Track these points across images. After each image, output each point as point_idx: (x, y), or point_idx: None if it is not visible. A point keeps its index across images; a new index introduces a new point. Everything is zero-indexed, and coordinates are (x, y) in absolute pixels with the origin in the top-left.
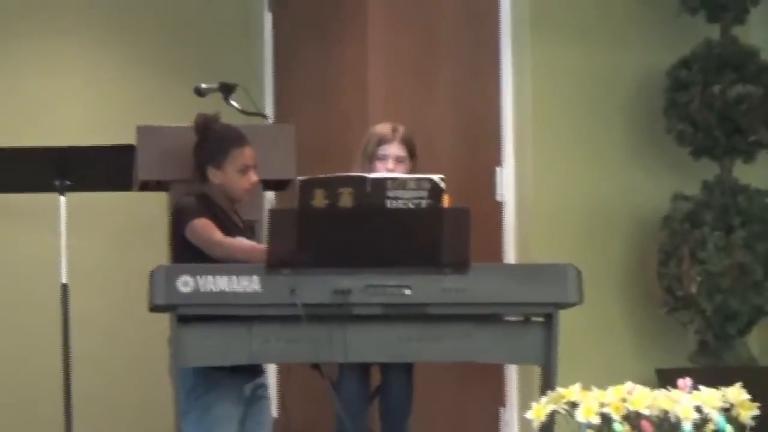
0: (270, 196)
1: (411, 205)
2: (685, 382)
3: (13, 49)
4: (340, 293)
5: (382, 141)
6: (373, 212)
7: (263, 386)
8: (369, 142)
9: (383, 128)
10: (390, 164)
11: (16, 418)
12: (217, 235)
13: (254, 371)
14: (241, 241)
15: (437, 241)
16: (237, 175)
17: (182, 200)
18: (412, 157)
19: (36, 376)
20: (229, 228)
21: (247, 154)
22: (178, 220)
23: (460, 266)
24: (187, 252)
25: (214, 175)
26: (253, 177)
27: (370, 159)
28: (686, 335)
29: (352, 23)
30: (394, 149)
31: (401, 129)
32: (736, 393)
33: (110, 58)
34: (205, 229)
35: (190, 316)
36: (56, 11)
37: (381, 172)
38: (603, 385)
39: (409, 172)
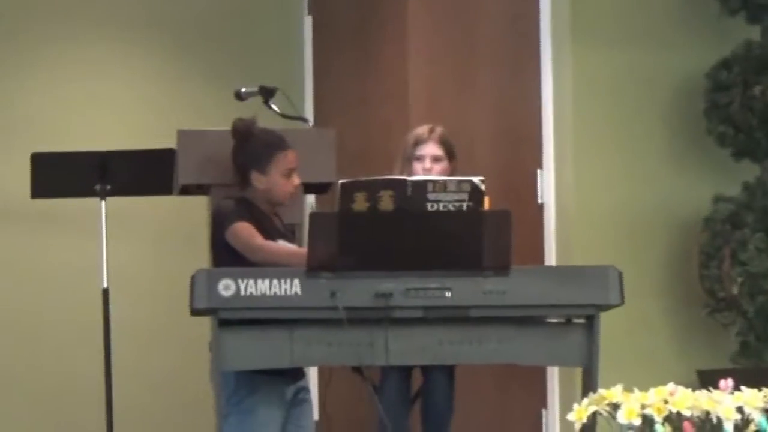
0: (311, 199)
1: (452, 208)
2: (727, 383)
3: (55, 54)
4: (381, 296)
5: (418, 141)
6: (413, 215)
7: (305, 389)
8: (407, 144)
9: (420, 129)
10: (427, 164)
11: (58, 425)
12: (258, 239)
13: (295, 375)
14: (282, 245)
15: (478, 243)
16: (281, 179)
17: (222, 204)
18: (451, 157)
19: (77, 382)
20: (270, 232)
21: (290, 157)
22: (219, 223)
23: (501, 269)
24: (227, 256)
25: (258, 180)
26: (296, 180)
27: (409, 160)
28: (727, 336)
29: (392, 26)
30: (431, 149)
31: (438, 129)
32: None
33: (151, 63)
34: (245, 232)
35: (232, 319)
36: (98, 17)
37: (419, 172)
38: (644, 387)
39: (449, 173)
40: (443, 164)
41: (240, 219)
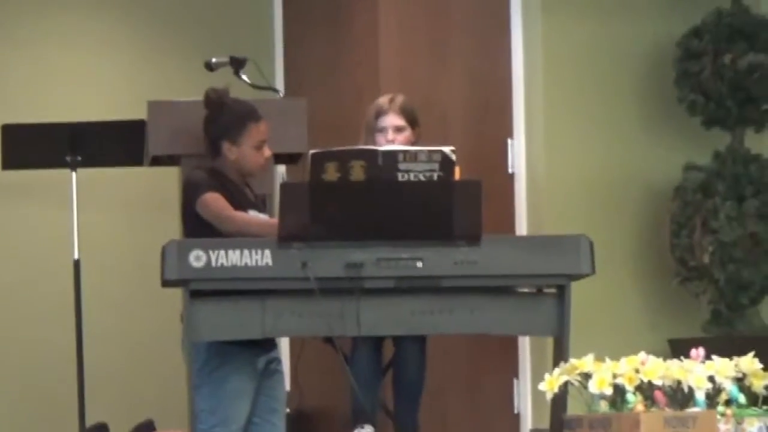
0: (281, 169)
1: (422, 178)
2: (698, 352)
3: (26, 26)
4: (353, 267)
5: (379, 113)
6: (384, 185)
7: (276, 360)
8: (369, 116)
9: (380, 100)
10: (390, 135)
11: (30, 393)
12: (228, 209)
13: (267, 345)
14: (253, 216)
15: (449, 213)
16: (252, 151)
17: (193, 174)
18: (414, 125)
19: (49, 352)
20: (241, 202)
21: (262, 129)
22: (189, 194)
23: (472, 238)
24: (198, 226)
25: (229, 150)
26: (267, 152)
27: (371, 132)
28: (699, 305)
29: None
30: (392, 119)
31: (399, 99)
32: (749, 362)
33: (122, 34)
34: (216, 203)
35: (203, 290)
36: None
37: (382, 143)
38: (616, 356)
39: (412, 141)
40: (406, 133)
41: (210, 189)
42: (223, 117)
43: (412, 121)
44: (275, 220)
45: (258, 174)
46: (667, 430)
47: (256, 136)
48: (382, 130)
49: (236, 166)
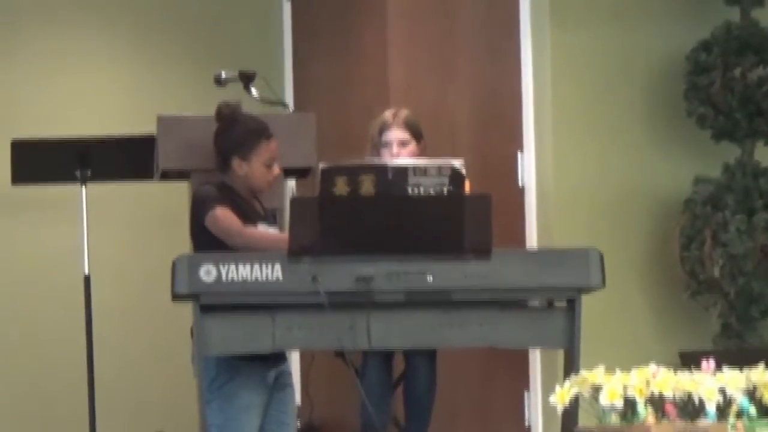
0: (291, 184)
1: (432, 192)
2: (709, 364)
3: (35, 42)
4: (363, 280)
5: (383, 128)
6: (394, 199)
7: (286, 373)
8: (373, 131)
9: (384, 115)
10: (394, 149)
11: (41, 407)
12: (238, 224)
13: (277, 359)
14: (262, 231)
15: (459, 227)
16: (262, 168)
17: (201, 189)
18: (418, 138)
19: (59, 367)
20: (250, 216)
21: (273, 147)
22: (198, 209)
23: (483, 252)
24: (207, 241)
25: (239, 166)
26: (276, 170)
27: (376, 147)
28: (709, 318)
29: (371, 11)
30: (396, 133)
31: (402, 113)
32: (760, 374)
33: (131, 49)
34: (225, 218)
35: (213, 305)
36: (78, 3)
37: (386, 158)
38: (626, 369)
39: (416, 154)
40: (410, 147)
41: (219, 204)
42: (235, 132)
43: (417, 134)
44: (285, 235)
45: (266, 191)
46: None
47: (267, 154)
48: (387, 144)
49: (245, 181)
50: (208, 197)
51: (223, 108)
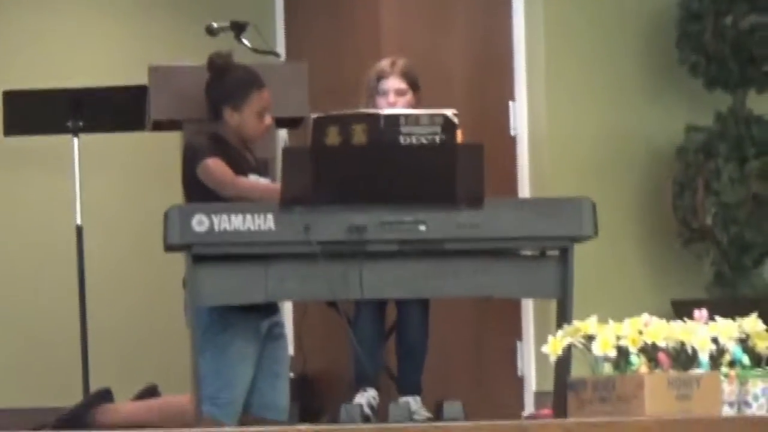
0: (283, 134)
1: (424, 141)
2: (701, 313)
3: None
4: (355, 230)
5: (381, 76)
6: (386, 149)
7: (279, 324)
8: (369, 78)
9: (382, 63)
10: (391, 98)
11: (33, 359)
12: (230, 174)
13: (269, 310)
14: (254, 181)
15: (451, 176)
16: (254, 118)
17: (193, 139)
18: (415, 88)
19: (52, 318)
20: (242, 166)
21: (265, 97)
22: (190, 159)
23: (475, 201)
24: (199, 192)
25: (231, 116)
26: (268, 120)
27: (372, 95)
28: (702, 267)
29: None
30: (394, 82)
31: (400, 62)
32: (753, 324)
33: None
34: (217, 168)
35: (206, 255)
36: None
37: (383, 106)
38: (619, 318)
39: (413, 104)
40: (407, 97)
41: (211, 155)
42: (227, 82)
43: (414, 84)
44: (277, 185)
45: (257, 140)
46: (670, 391)
47: (259, 104)
48: (384, 93)
49: (237, 131)
50: (200, 148)
51: (215, 58)
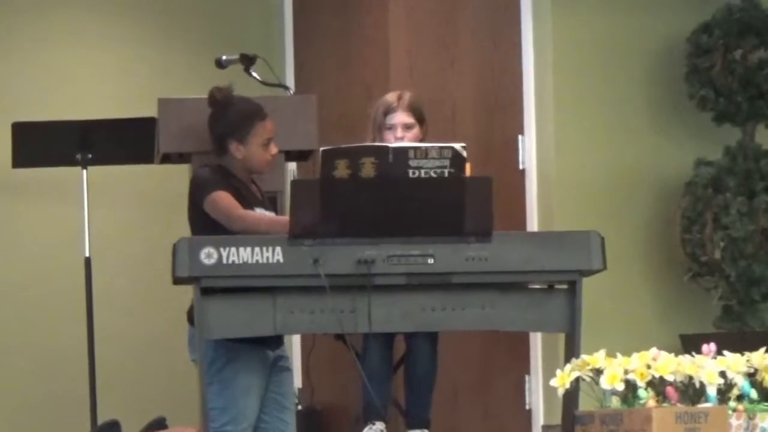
0: (292, 166)
1: (433, 174)
2: (710, 347)
3: (36, 23)
4: (364, 263)
5: (388, 110)
6: (395, 182)
7: (284, 357)
8: (377, 112)
9: (389, 97)
10: (399, 132)
11: (42, 390)
12: (238, 208)
13: (274, 342)
14: (262, 214)
15: (460, 209)
16: (259, 149)
17: (199, 172)
18: (422, 122)
19: (60, 350)
20: (248, 199)
21: (269, 127)
22: (197, 192)
23: (483, 235)
24: (205, 225)
25: (237, 150)
26: (274, 149)
27: (380, 129)
28: (710, 301)
29: None
30: (401, 117)
31: (407, 96)
32: (761, 358)
33: (132, 32)
34: (224, 202)
35: (214, 288)
36: None
37: (390, 141)
38: (627, 352)
39: (420, 138)
40: (414, 131)
41: (218, 188)
42: (229, 116)
43: (420, 118)
44: (285, 218)
45: (264, 171)
46: (678, 425)
47: (263, 134)
48: (391, 127)
49: (243, 164)
50: (207, 181)
51: (216, 93)
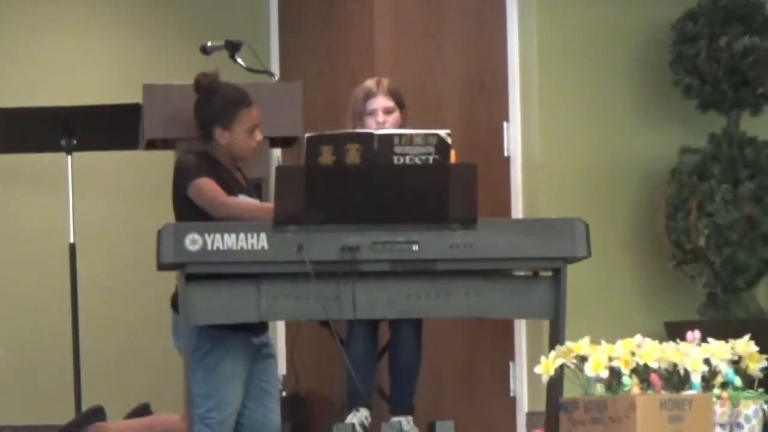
0: (277, 153)
1: (418, 161)
2: (694, 334)
3: (20, 10)
4: (348, 250)
5: (368, 96)
6: (380, 169)
7: (268, 345)
8: (356, 99)
9: (367, 83)
10: (380, 117)
11: (26, 377)
12: (221, 195)
13: (257, 329)
14: (246, 201)
15: (445, 196)
16: (244, 135)
17: (184, 159)
18: (401, 106)
19: (45, 336)
20: (232, 186)
21: (254, 114)
22: (180, 179)
23: (468, 222)
24: (189, 212)
25: (221, 136)
26: (259, 136)
27: (360, 116)
28: (694, 288)
29: None
30: (382, 102)
31: (385, 81)
32: (745, 345)
33: (117, 18)
34: (208, 189)
35: (199, 274)
36: None
37: (372, 126)
38: (612, 339)
39: (400, 122)
40: (395, 115)
41: (202, 174)
42: (215, 102)
43: (400, 102)
44: (269, 205)
45: (249, 158)
46: (663, 412)
47: (248, 121)
48: (372, 112)
49: (228, 150)
50: (191, 167)
51: (201, 79)
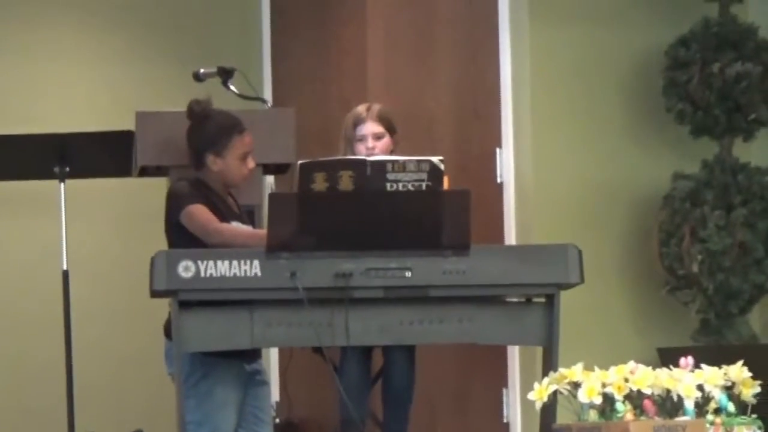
0: (270, 180)
1: (411, 188)
2: (687, 360)
3: (14, 36)
4: (341, 276)
5: (357, 122)
6: (373, 195)
7: (260, 371)
8: (346, 125)
9: (357, 109)
10: (370, 143)
11: (19, 404)
12: (214, 221)
13: (250, 356)
14: (239, 227)
15: (437, 223)
16: (237, 162)
17: (176, 186)
18: (392, 132)
19: (38, 363)
20: (224, 213)
21: (247, 140)
22: (173, 206)
23: (461, 248)
24: (181, 238)
25: (214, 163)
26: (251, 163)
27: (350, 142)
28: (688, 314)
29: (351, 6)
30: (371, 127)
31: (375, 106)
32: (738, 371)
33: (109, 44)
34: (201, 215)
35: (192, 301)
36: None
37: (362, 152)
38: (605, 365)
39: (390, 147)
40: (385, 140)
41: (195, 201)
42: (207, 129)
43: (390, 127)
44: (262, 231)
45: (242, 185)
46: None
47: (241, 148)
48: (362, 138)
49: (221, 177)
50: (184, 194)
51: (194, 105)
